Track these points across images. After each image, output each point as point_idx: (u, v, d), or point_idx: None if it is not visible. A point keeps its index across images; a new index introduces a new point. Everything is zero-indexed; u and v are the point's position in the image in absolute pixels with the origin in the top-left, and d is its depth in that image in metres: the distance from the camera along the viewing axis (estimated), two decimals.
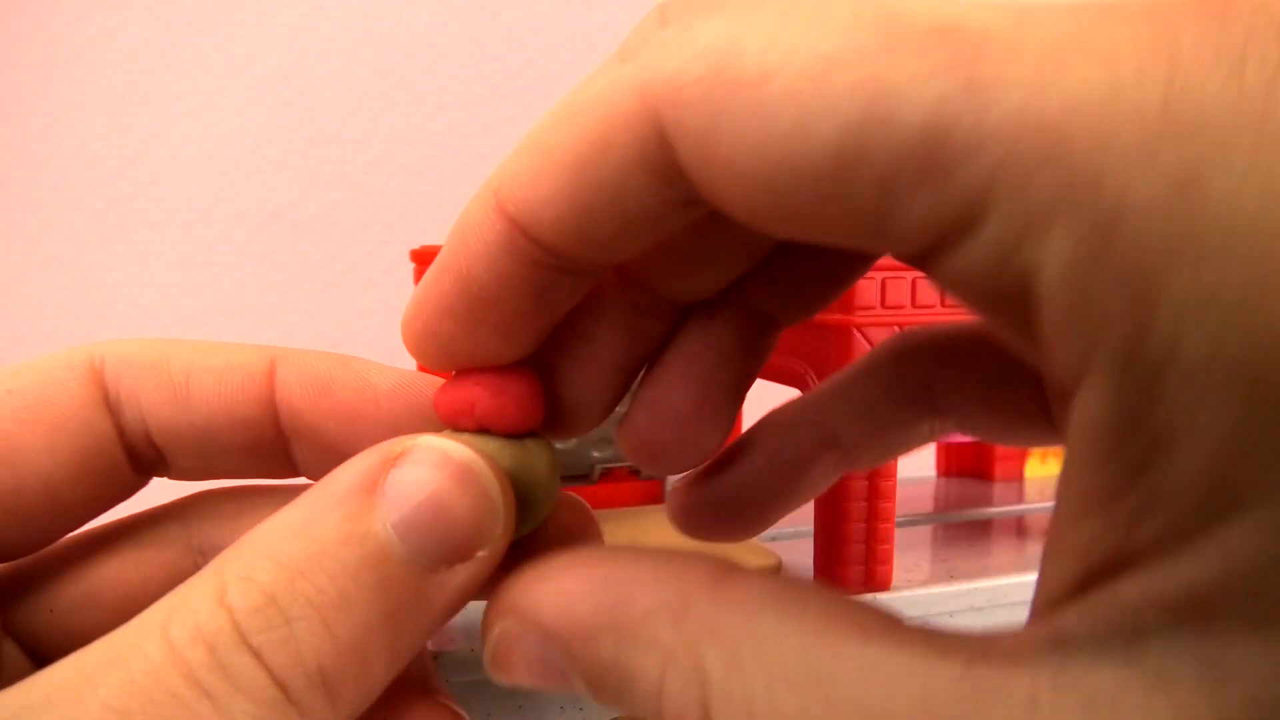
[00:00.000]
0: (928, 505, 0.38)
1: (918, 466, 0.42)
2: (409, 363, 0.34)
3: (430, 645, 0.23)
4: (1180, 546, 0.09)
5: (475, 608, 0.14)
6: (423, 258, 0.32)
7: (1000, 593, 0.28)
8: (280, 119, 0.53)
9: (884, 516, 0.26)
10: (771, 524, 0.17)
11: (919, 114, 0.09)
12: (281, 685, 0.11)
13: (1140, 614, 0.09)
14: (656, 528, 0.32)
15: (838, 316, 0.25)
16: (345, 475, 0.12)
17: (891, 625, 0.11)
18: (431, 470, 0.12)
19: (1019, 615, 0.11)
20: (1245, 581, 0.09)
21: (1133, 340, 0.08)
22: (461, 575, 0.12)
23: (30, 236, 0.51)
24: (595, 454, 0.34)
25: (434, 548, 0.12)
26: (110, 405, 0.15)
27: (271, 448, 0.16)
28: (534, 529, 0.15)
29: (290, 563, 0.11)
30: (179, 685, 0.10)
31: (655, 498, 0.36)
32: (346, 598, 0.11)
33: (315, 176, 0.54)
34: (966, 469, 0.42)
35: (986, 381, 0.16)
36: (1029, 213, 0.09)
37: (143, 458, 0.16)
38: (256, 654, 0.11)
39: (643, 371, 0.16)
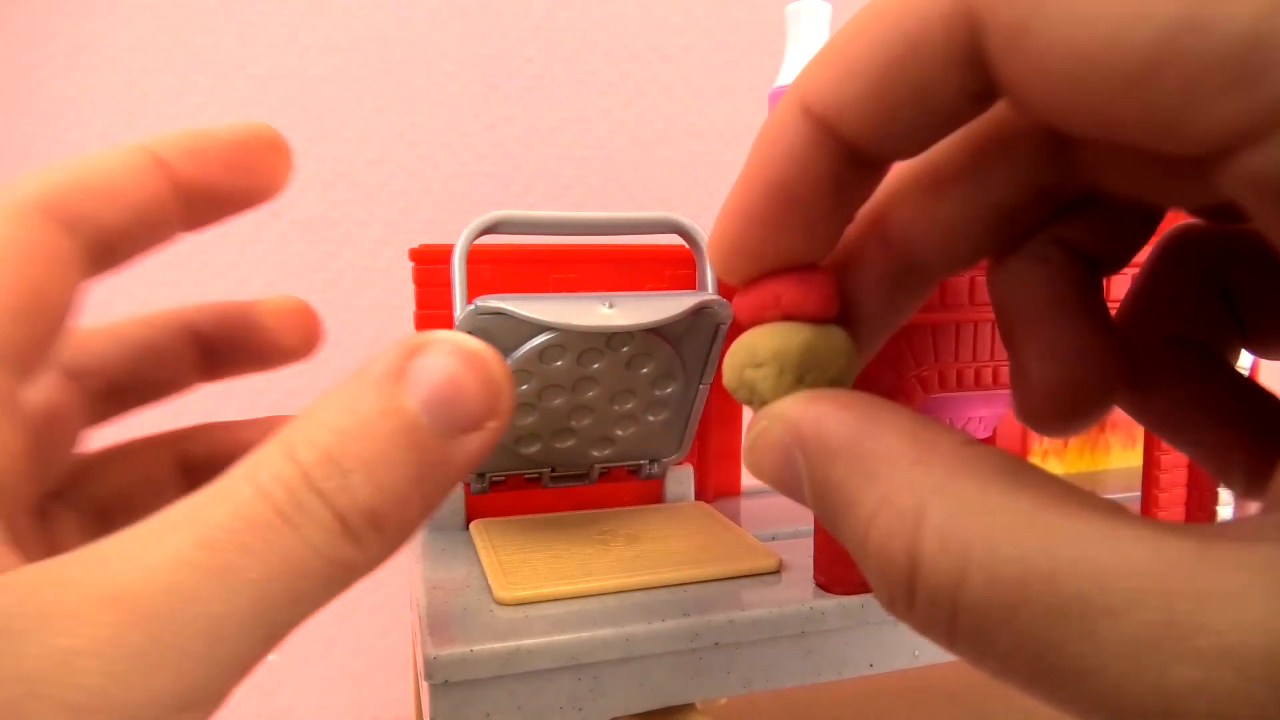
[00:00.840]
0: None
1: None
2: None
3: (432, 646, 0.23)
4: None
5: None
6: (422, 257, 0.32)
7: None
8: (280, 119, 0.53)
9: None
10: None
11: (1238, 24, 0.09)
12: (342, 520, 0.13)
13: None
14: (656, 527, 0.32)
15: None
16: (375, 365, 0.15)
17: (1126, 512, 0.11)
18: (447, 357, 0.15)
19: None
20: None
21: None
22: (475, 441, 0.15)
23: None
24: (595, 454, 0.34)
25: (452, 419, 0.14)
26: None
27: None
28: None
29: (342, 430, 0.14)
30: (269, 514, 0.13)
31: (655, 498, 0.36)
32: (387, 457, 0.14)
33: (315, 176, 0.54)
34: None
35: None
36: None
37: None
38: (322, 496, 0.13)
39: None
